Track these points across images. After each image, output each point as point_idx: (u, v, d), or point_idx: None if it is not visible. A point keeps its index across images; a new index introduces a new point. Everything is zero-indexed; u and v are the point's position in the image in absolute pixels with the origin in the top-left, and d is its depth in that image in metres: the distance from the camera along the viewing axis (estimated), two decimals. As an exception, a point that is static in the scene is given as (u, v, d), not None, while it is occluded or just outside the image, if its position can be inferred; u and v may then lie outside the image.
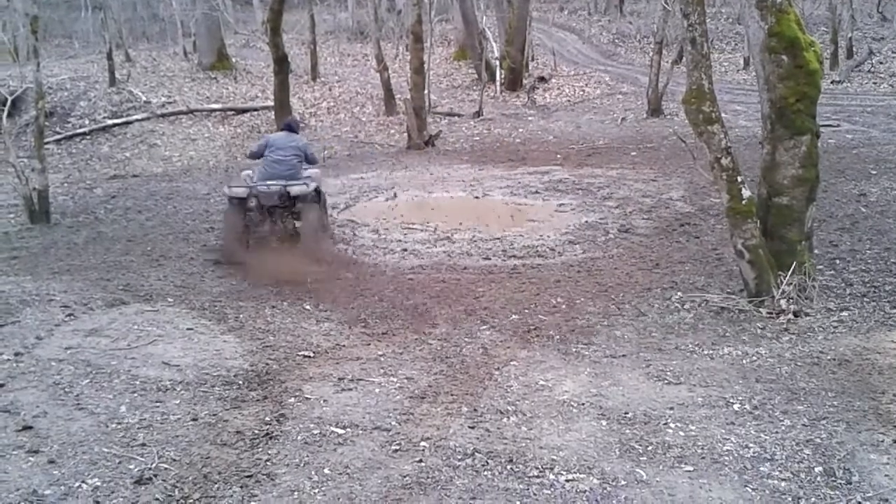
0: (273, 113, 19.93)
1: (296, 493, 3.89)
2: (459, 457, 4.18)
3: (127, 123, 19.50)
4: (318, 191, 8.90)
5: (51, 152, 16.70)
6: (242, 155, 17.67)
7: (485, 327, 6.34)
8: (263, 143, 8.95)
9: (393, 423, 4.63)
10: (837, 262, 7.50)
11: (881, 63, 23.60)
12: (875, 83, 21.74)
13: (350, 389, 5.16)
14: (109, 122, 19.50)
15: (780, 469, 3.97)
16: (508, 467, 4.06)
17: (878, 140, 14.21)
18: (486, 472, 4.02)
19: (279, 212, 8.57)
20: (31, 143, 15.02)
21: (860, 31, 26.02)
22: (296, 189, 8.39)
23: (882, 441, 4.22)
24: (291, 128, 9.25)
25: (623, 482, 3.89)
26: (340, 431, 4.54)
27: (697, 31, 6.24)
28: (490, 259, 8.49)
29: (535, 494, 3.81)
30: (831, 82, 20.93)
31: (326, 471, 4.08)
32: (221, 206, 10.35)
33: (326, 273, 7.83)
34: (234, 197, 8.46)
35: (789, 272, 6.23)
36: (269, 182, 8.44)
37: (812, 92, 6.37)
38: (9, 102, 12.35)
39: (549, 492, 3.83)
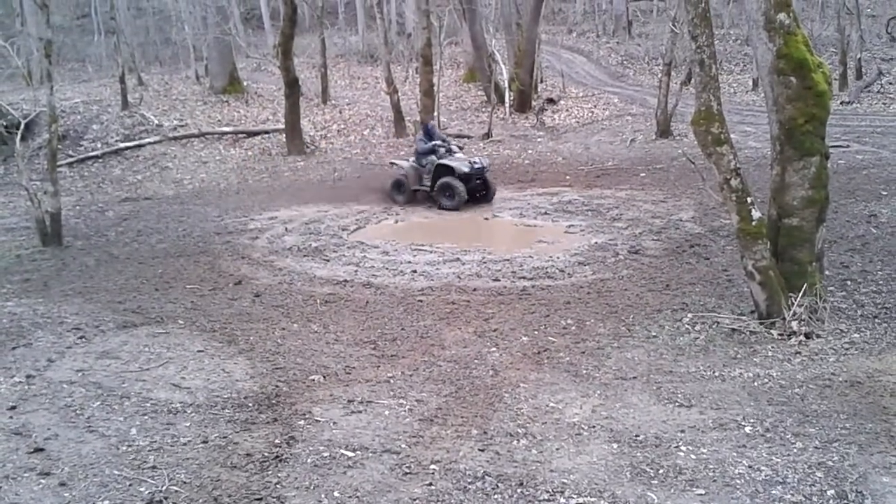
0: (284, 135, 20.11)
1: (305, 516, 3.88)
2: (469, 480, 4.17)
3: (139, 146, 19.69)
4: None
5: (63, 175, 16.87)
6: (254, 178, 17.83)
7: (494, 349, 6.34)
8: None
9: (403, 445, 4.63)
10: (848, 283, 7.46)
11: (890, 83, 23.56)
12: (885, 104, 21.69)
13: (360, 412, 5.16)
14: (121, 145, 19.69)
15: (792, 492, 3.94)
16: (519, 490, 4.05)
17: (889, 160, 14.16)
18: (496, 496, 4.01)
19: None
20: (43, 165, 15.22)
21: (869, 52, 26.01)
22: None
23: (894, 463, 4.18)
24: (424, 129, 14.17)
25: (634, 506, 3.87)
26: (350, 454, 4.54)
27: (706, 52, 6.27)
28: (499, 280, 8.49)
29: (545, 518, 3.79)
30: (840, 103, 20.89)
31: (336, 494, 4.08)
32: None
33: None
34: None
35: (800, 293, 6.21)
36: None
37: (821, 113, 6.37)
38: (22, 126, 12.50)
39: (559, 515, 3.81)
